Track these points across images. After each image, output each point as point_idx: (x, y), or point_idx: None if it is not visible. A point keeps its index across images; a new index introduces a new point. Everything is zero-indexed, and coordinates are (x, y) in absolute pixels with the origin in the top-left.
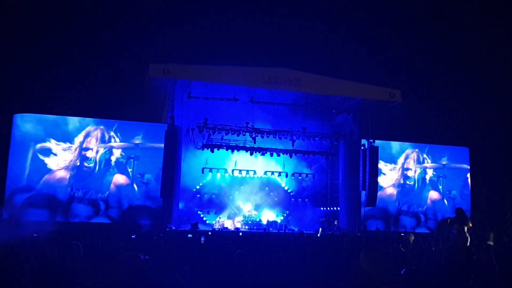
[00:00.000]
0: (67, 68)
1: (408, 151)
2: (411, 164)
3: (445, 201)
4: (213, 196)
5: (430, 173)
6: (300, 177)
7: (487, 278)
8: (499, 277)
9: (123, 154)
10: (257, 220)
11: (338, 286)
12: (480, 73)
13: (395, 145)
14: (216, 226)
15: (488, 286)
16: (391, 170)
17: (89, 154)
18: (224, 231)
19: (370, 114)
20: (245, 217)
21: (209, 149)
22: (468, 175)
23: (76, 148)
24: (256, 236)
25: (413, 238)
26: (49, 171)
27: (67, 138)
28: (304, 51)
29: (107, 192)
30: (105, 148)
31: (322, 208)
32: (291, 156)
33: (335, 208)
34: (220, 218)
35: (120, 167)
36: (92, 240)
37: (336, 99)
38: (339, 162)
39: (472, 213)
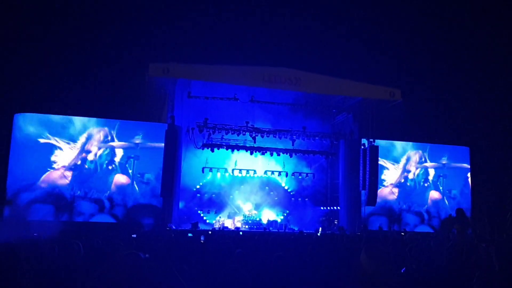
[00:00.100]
0: (67, 67)
1: (410, 152)
2: (413, 164)
3: (446, 201)
4: (213, 195)
5: (431, 172)
6: (300, 177)
7: (487, 278)
8: (499, 277)
9: (123, 154)
10: (257, 219)
11: (338, 285)
12: (481, 72)
13: (397, 145)
14: (216, 226)
15: (488, 286)
16: (394, 169)
17: (91, 154)
18: (224, 230)
19: (370, 114)
20: (245, 217)
21: (209, 148)
22: (469, 174)
23: (78, 148)
24: (256, 235)
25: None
26: (52, 170)
27: (68, 137)
28: (304, 50)
29: (108, 192)
30: (106, 148)
31: (322, 208)
32: (291, 156)
33: (335, 208)
34: (220, 217)
35: (121, 167)
36: (92, 239)
37: (336, 99)
38: (339, 161)
39: (472, 213)
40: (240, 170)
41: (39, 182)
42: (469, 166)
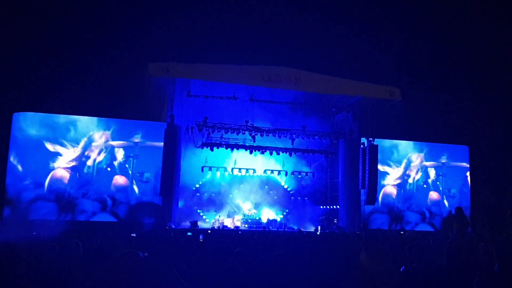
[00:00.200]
0: (66, 66)
1: (411, 155)
2: (413, 165)
3: (445, 200)
4: (213, 194)
5: (431, 172)
6: (299, 176)
7: (487, 278)
8: (499, 277)
9: (124, 152)
10: (257, 218)
11: (337, 284)
12: (480, 71)
13: (399, 146)
14: (216, 225)
15: (488, 286)
16: (395, 171)
17: (91, 153)
18: (223, 229)
19: (369, 113)
20: (244, 216)
21: (209, 147)
22: (468, 173)
23: (78, 147)
24: (255, 234)
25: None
26: (51, 170)
27: (67, 137)
28: (304, 49)
29: (108, 191)
30: (105, 147)
31: (321, 207)
32: (290, 155)
33: (334, 207)
34: (219, 216)
35: (121, 167)
36: (92, 239)
37: (335, 98)
38: (338, 160)
39: (471, 212)
40: (240, 169)
41: (39, 181)
42: (468, 165)
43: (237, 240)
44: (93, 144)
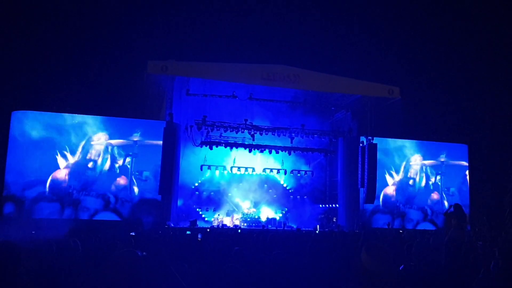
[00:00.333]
0: (65, 65)
1: (412, 154)
2: (413, 163)
3: (445, 198)
4: (212, 193)
5: (430, 171)
6: (298, 174)
7: (486, 277)
8: (500, 276)
9: (122, 151)
10: (256, 217)
11: (337, 282)
12: (479, 70)
13: (398, 145)
14: (215, 223)
15: (488, 285)
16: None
17: (90, 153)
18: (222, 228)
19: (368, 111)
20: (243, 214)
21: (208, 146)
22: (467, 172)
23: (77, 147)
24: (254, 233)
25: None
26: (51, 168)
27: (67, 136)
28: (303, 48)
29: (108, 190)
30: (105, 147)
31: (320, 205)
32: (289, 153)
33: (333, 205)
34: (218, 215)
35: (121, 166)
36: (91, 237)
37: (335, 96)
38: (337, 159)
39: (470, 210)
40: (239, 167)
41: (39, 180)
42: (467, 164)
43: (236, 239)
44: (92, 142)
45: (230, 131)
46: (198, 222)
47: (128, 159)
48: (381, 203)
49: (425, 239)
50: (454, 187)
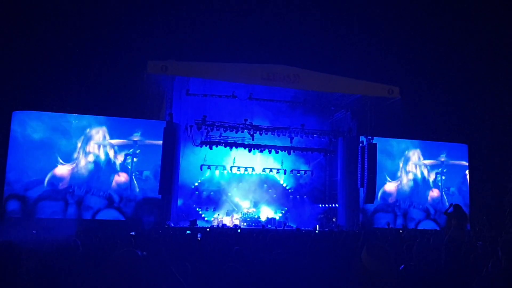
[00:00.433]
0: (65, 65)
1: (409, 152)
2: (412, 162)
3: (445, 198)
4: (212, 193)
5: (430, 171)
6: (298, 174)
7: (486, 277)
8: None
9: (122, 151)
10: (256, 217)
11: (336, 282)
12: (479, 70)
13: (397, 143)
14: (215, 223)
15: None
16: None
17: (90, 153)
18: (222, 228)
19: (368, 111)
20: (243, 214)
21: (208, 146)
22: (467, 172)
23: (77, 147)
24: (254, 233)
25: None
26: (52, 167)
27: (67, 136)
28: (303, 48)
29: (109, 189)
30: (105, 146)
31: (320, 205)
32: (289, 153)
33: (333, 205)
34: (218, 215)
35: (120, 165)
36: (91, 237)
37: (334, 96)
38: (337, 159)
39: (470, 210)
40: (239, 167)
41: (39, 179)
42: (467, 164)
43: (236, 238)
44: (92, 142)
45: (230, 131)
46: (198, 222)
47: (128, 159)
48: (379, 200)
49: (425, 239)
50: (454, 187)
